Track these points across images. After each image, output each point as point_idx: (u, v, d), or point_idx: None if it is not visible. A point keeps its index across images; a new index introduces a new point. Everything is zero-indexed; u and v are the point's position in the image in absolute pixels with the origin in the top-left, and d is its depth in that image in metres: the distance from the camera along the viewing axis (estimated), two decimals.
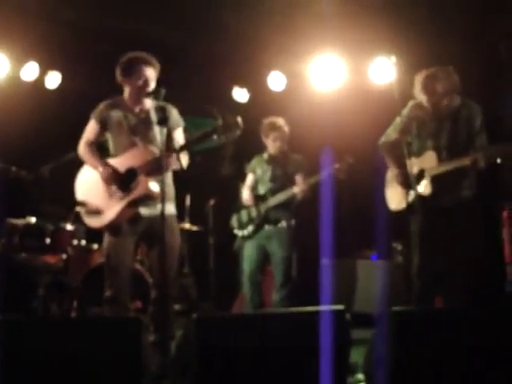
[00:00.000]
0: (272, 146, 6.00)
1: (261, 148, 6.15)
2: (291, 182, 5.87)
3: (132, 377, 2.97)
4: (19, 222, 6.27)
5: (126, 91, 4.67)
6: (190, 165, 4.55)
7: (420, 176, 4.90)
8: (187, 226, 7.51)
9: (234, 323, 3.24)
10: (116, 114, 4.63)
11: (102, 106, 4.70)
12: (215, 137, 4.31)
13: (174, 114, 4.69)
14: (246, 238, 6.05)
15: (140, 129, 4.61)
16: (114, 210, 4.49)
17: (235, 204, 6.33)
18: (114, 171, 4.54)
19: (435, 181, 4.86)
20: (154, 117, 4.56)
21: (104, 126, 4.66)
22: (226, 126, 4.29)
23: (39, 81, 7.61)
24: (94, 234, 5.43)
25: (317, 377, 3.05)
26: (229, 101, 7.94)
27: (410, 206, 4.67)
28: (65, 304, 6.13)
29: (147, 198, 4.49)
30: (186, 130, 4.74)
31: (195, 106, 4.71)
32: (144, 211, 4.55)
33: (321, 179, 5.66)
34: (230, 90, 8.16)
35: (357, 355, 3.69)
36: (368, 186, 6.52)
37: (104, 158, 4.67)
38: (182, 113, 4.76)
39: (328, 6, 6.51)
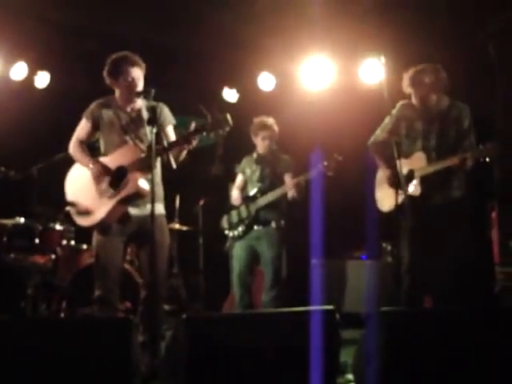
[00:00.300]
0: (261, 145, 6.00)
1: (250, 148, 6.14)
2: (280, 182, 5.87)
3: (122, 377, 2.96)
4: (8, 222, 6.26)
5: (117, 91, 4.67)
6: (180, 165, 4.54)
7: (409, 176, 4.91)
8: (177, 226, 7.51)
9: (224, 323, 3.24)
10: (108, 113, 4.63)
11: (93, 105, 4.70)
12: (204, 133, 4.31)
13: (166, 111, 4.70)
14: (236, 239, 6.04)
15: (131, 127, 4.61)
16: (104, 209, 4.48)
17: (225, 204, 6.32)
18: (105, 168, 4.53)
19: (425, 181, 4.88)
20: (145, 116, 4.55)
21: (95, 124, 4.66)
22: (215, 123, 4.29)
23: (28, 80, 7.59)
24: (84, 234, 5.42)
25: (307, 377, 3.05)
26: (219, 101, 7.94)
27: (399, 206, 4.68)
28: (54, 304, 6.12)
29: (137, 197, 4.49)
30: (176, 129, 4.74)
31: (183, 105, 4.70)
32: (133, 211, 4.54)
33: (310, 177, 5.65)
34: (220, 90, 8.17)
35: (346, 355, 3.69)
36: (358, 187, 6.54)
37: (95, 157, 4.66)
38: (172, 112, 4.76)
39: (317, 8, 6.52)
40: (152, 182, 4.11)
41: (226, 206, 6.23)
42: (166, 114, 4.70)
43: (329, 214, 5.77)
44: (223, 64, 7.62)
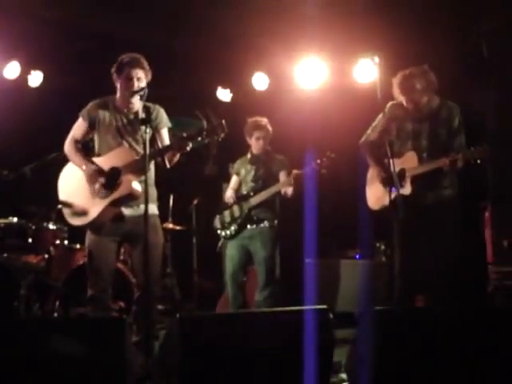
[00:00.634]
0: (255, 145, 6.00)
1: (244, 148, 6.15)
2: (274, 182, 5.87)
3: (116, 377, 2.96)
4: (0, 221, 6.23)
5: (118, 90, 4.68)
6: (174, 165, 4.54)
7: (401, 176, 4.92)
8: (170, 225, 7.50)
9: (217, 323, 3.24)
10: (104, 114, 4.64)
11: (90, 105, 4.71)
12: (199, 139, 4.32)
13: (161, 114, 4.71)
14: (228, 238, 6.04)
15: (128, 129, 4.62)
16: (97, 209, 4.48)
17: (218, 204, 6.33)
18: (98, 169, 4.53)
19: (415, 181, 4.89)
20: (144, 114, 4.55)
21: (92, 124, 4.66)
22: (211, 129, 4.31)
23: (22, 79, 7.58)
24: (77, 234, 5.41)
25: (300, 376, 3.05)
26: (214, 105, 7.94)
27: (391, 204, 4.68)
28: (47, 304, 6.10)
29: (130, 198, 4.49)
30: (169, 130, 4.75)
31: (180, 107, 4.71)
32: (127, 211, 4.55)
33: (304, 174, 5.64)
34: (214, 90, 8.17)
35: (340, 355, 3.70)
36: (351, 186, 6.54)
37: (89, 157, 4.66)
38: (167, 113, 4.76)
39: (311, 8, 6.53)
40: (145, 184, 4.11)
41: (219, 206, 6.23)
42: (162, 116, 4.71)
43: (322, 214, 5.78)
44: (217, 64, 7.62)
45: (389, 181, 4.62)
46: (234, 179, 6.20)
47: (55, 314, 5.97)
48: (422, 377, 3.09)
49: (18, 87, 7.58)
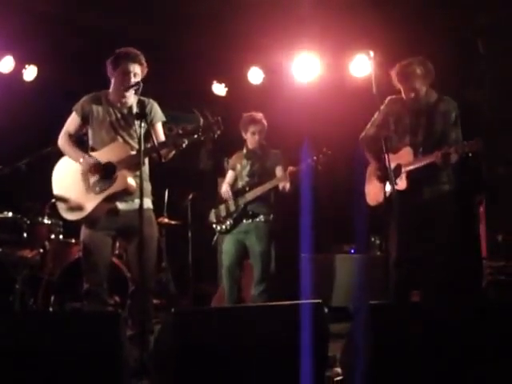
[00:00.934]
0: (251, 140, 5.99)
1: (239, 142, 6.14)
2: (270, 177, 5.87)
3: (111, 371, 2.96)
4: None
5: (112, 84, 4.66)
6: (169, 159, 4.54)
7: (397, 171, 4.93)
8: (166, 220, 7.50)
9: (213, 317, 3.24)
10: (98, 109, 4.63)
11: (84, 99, 4.69)
12: (195, 136, 4.32)
13: (156, 108, 4.70)
14: (224, 233, 6.05)
15: (122, 124, 4.61)
16: (91, 204, 4.48)
17: (214, 198, 6.32)
18: (96, 162, 4.52)
19: (411, 176, 4.90)
20: (135, 109, 4.55)
21: (85, 119, 4.65)
22: (207, 126, 4.31)
23: (16, 73, 7.56)
24: (72, 228, 5.41)
25: (296, 370, 3.06)
26: (210, 102, 7.94)
27: (387, 200, 4.69)
28: (42, 299, 6.09)
29: (125, 194, 4.49)
30: (165, 125, 4.75)
31: (176, 103, 4.71)
32: (121, 206, 4.55)
33: (300, 170, 5.65)
34: (210, 85, 8.16)
35: (335, 349, 3.70)
36: (347, 181, 6.56)
37: (83, 151, 4.65)
38: (163, 108, 4.76)
39: (307, 2, 6.53)
40: (140, 178, 4.12)
41: (215, 201, 6.23)
42: (156, 110, 4.70)
43: (318, 208, 5.79)
44: (212, 59, 7.61)
45: (384, 177, 4.63)
46: (230, 174, 6.20)
47: (50, 309, 5.96)
48: (417, 371, 3.09)
49: (12, 81, 7.56)
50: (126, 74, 4.53)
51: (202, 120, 4.31)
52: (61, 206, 4.64)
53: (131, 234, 4.48)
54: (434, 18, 6.67)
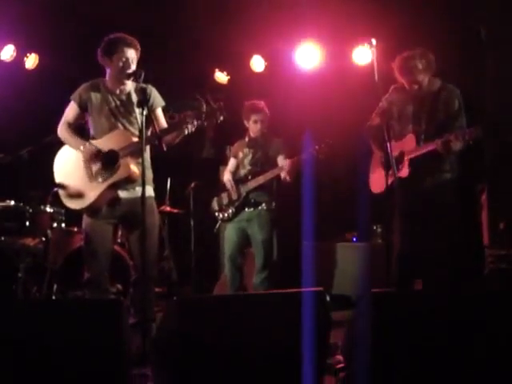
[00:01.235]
0: (253, 128, 5.99)
1: (241, 131, 6.14)
2: (272, 165, 5.87)
3: (113, 359, 2.97)
4: None
5: (107, 72, 4.64)
6: (171, 147, 4.53)
7: (400, 159, 4.93)
8: (168, 208, 7.50)
9: (215, 305, 3.25)
10: (96, 96, 4.61)
11: (81, 87, 4.67)
12: (199, 122, 4.32)
13: (155, 93, 4.67)
14: (226, 221, 6.06)
15: (121, 111, 4.59)
16: (94, 193, 4.47)
17: (216, 187, 6.33)
18: (98, 150, 4.51)
19: (414, 163, 4.89)
20: (135, 98, 4.54)
21: (84, 107, 4.63)
22: (210, 112, 4.31)
23: (18, 62, 7.56)
24: (74, 217, 5.41)
25: (297, 358, 3.06)
26: (212, 89, 7.92)
27: (390, 188, 4.69)
28: (45, 287, 6.11)
29: (128, 181, 4.48)
30: (166, 111, 4.73)
31: (178, 91, 4.69)
32: (123, 194, 4.55)
33: (302, 160, 5.66)
34: (212, 73, 8.14)
35: (336, 336, 3.71)
36: (349, 169, 6.55)
37: (84, 139, 4.64)
38: (163, 96, 4.74)
39: None
40: (142, 166, 4.11)
41: (216, 189, 6.24)
42: (156, 95, 4.68)
43: (320, 196, 5.78)
44: (214, 47, 7.59)
45: (386, 165, 4.63)
46: (232, 162, 6.20)
47: (53, 297, 5.98)
48: (418, 359, 3.10)
49: (14, 70, 7.55)
50: (124, 60, 4.50)
51: (204, 106, 4.30)
52: (63, 195, 4.64)
53: (133, 222, 4.48)
54: (436, 6, 6.64)
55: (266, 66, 7.95)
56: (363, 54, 7.24)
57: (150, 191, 4.63)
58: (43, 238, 6.25)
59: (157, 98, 4.67)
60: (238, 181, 5.99)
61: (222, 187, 6.12)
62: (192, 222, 7.29)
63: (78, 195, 4.54)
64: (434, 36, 6.18)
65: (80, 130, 4.73)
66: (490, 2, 6.56)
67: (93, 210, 4.53)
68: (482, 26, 6.62)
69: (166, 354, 3.10)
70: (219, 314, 3.13)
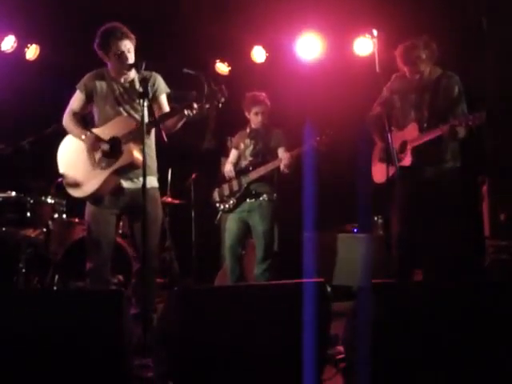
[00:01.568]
0: (254, 119, 5.99)
1: (242, 122, 6.13)
2: (273, 156, 5.87)
3: (114, 350, 2.98)
4: None
5: (109, 64, 4.64)
6: (172, 138, 4.53)
7: (402, 148, 4.93)
8: (169, 199, 7.51)
9: (215, 296, 3.25)
10: (101, 85, 4.62)
11: (87, 76, 4.69)
12: (199, 104, 4.31)
13: (159, 80, 4.68)
14: (227, 212, 6.06)
15: (125, 98, 4.60)
16: (97, 181, 4.47)
17: (217, 178, 6.33)
18: (98, 139, 4.51)
19: (416, 152, 4.89)
20: (138, 86, 4.53)
21: (89, 96, 4.64)
22: (211, 93, 4.29)
23: (18, 52, 7.55)
24: (75, 208, 5.41)
25: (298, 348, 3.07)
26: (213, 73, 7.91)
27: (391, 178, 4.70)
28: (46, 278, 6.12)
29: (131, 168, 4.47)
30: (170, 99, 4.73)
31: (179, 81, 4.68)
32: (126, 184, 4.55)
33: (303, 152, 5.66)
34: (213, 63, 8.13)
35: (336, 327, 3.72)
36: (350, 160, 6.54)
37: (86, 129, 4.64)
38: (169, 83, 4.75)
39: None
40: (144, 154, 4.11)
41: (217, 180, 6.24)
42: (160, 82, 4.68)
43: (321, 188, 5.78)
44: (215, 38, 7.57)
45: (387, 155, 4.63)
46: (233, 153, 6.20)
47: (54, 288, 5.99)
48: (419, 349, 3.11)
49: (14, 60, 7.54)
50: (120, 53, 4.50)
51: (205, 87, 4.29)
52: (67, 184, 4.64)
53: (136, 212, 4.47)
54: None
55: (266, 57, 7.94)
56: (364, 45, 7.23)
57: (153, 182, 4.63)
58: (44, 229, 6.25)
59: (161, 85, 4.68)
60: (239, 172, 5.99)
61: (223, 178, 6.12)
62: (193, 213, 7.30)
63: (82, 183, 4.54)
64: (435, 26, 6.16)
65: (84, 120, 4.73)
66: None
67: (96, 198, 4.52)
68: (483, 16, 6.62)
69: (166, 345, 3.10)
70: (220, 305, 3.14)
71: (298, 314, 3.09)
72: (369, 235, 7.08)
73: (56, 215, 6.39)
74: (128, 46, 4.53)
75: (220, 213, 6.21)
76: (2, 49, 7.46)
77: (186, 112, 4.36)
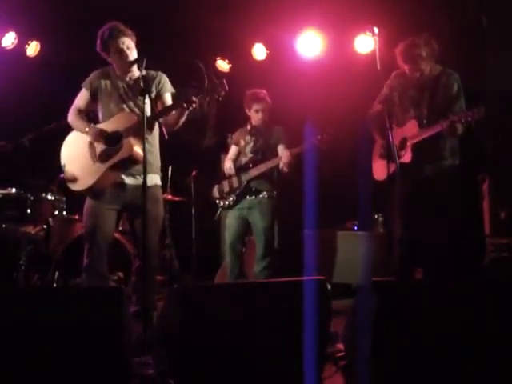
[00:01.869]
0: (254, 117, 5.99)
1: (243, 119, 6.13)
2: (273, 154, 5.87)
3: (114, 347, 2.97)
4: None
5: (113, 63, 4.66)
6: (173, 136, 4.53)
7: (402, 145, 4.94)
8: (169, 196, 7.50)
9: (216, 293, 3.25)
10: (106, 83, 4.65)
11: (92, 74, 4.73)
12: (199, 97, 4.31)
13: (164, 79, 4.70)
14: (227, 208, 6.07)
15: (129, 95, 4.62)
16: (96, 174, 4.48)
17: (217, 175, 6.33)
18: (101, 130, 4.53)
19: (416, 149, 4.89)
20: (142, 85, 4.54)
21: (94, 94, 4.67)
22: (212, 86, 4.30)
23: (19, 49, 7.55)
24: (75, 205, 5.41)
25: (298, 346, 3.07)
26: (212, 72, 7.89)
27: (391, 175, 4.69)
28: (46, 274, 6.12)
29: (130, 162, 4.47)
30: (175, 99, 4.73)
31: (179, 79, 4.69)
32: (128, 180, 4.55)
33: (303, 150, 5.66)
34: (213, 61, 8.13)
35: (336, 325, 3.72)
36: (350, 158, 6.54)
37: None
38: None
39: None
40: (144, 149, 4.12)
41: (217, 177, 6.24)
42: (165, 81, 4.70)
43: (321, 185, 5.78)
44: (216, 35, 7.57)
45: (387, 152, 4.63)
46: (233, 149, 6.20)
47: (54, 285, 5.99)
48: (419, 348, 3.11)
49: (15, 57, 7.54)
50: (120, 52, 4.53)
51: (206, 80, 4.29)
52: (67, 177, 4.65)
53: (137, 209, 4.45)
54: None
55: (267, 55, 7.94)
56: (365, 43, 7.22)
57: (156, 179, 4.64)
58: (44, 226, 6.25)
59: (166, 84, 4.70)
60: (239, 169, 5.99)
61: (223, 175, 6.12)
62: (193, 210, 7.30)
63: (81, 177, 4.55)
64: (436, 24, 6.16)
65: (88, 118, 4.75)
66: None
67: (95, 192, 4.52)
68: (484, 15, 6.61)
69: (166, 342, 3.10)
70: (220, 303, 3.14)
71: (299, 311, 3.09)
72: (369, 233, 7.08)
73: (56, 212, 6.39)
74: (127, 43, 4.54)
75: (220, 210, 6.21)
76: (3, 45, 7.45)
77: (185, 105, 4.36)
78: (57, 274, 6.03)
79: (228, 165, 6.09)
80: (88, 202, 4.59)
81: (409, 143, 4.92)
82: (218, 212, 6.30)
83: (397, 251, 4.91)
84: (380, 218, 7.35)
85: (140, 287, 4.48)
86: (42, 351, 2.88)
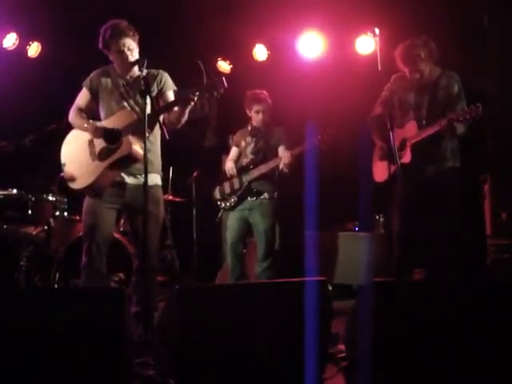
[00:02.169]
0: (255, 118, 5.99)
1: (243, 120, 6.13)
2: (274, 154, 5.87)
3: (114, 348, 2.97)
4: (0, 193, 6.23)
5: (114, 62, 4.66)
6: (174, 136, 4.53)
7: (402, 146, 4.94)
8: (170, 197, 7.51)
9: (216, 294, 3.25)
10: (107, 81, 4.65)
11: (93, 74, 4.72)
12: (198, 93, 4.31)
13: (166, 77, 4.69)
14: (228, 210, 6.06)
15: (130, 93, 4.61)
16: (97, 171, 4.47)
17: (218, 176, 6.33)
18: (100, 126, 4.54)
19: (416, 150, 4.89)
20: (142, 83, 4.54)
21: (95, 93, 4.67)
22: (211, 84, 4.29)
23: (20, 50, 7.55)
24: (76, 206, 5.41)
25: (299, 347, 3.07)
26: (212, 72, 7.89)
27: (391, 177, 4.69)
28: (47, 275, 6.12)
29: (129, 161, 4.46)
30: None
31: (180, 79, 4.69)
32: (129, 180, 4.54)
33: (304, 150, 5.66)
34: (214, 61, 8.13)
35: (337, 326, 3.72)
36: (350, 159, 6.54)
37: None
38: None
39: None
40: (145, 148, 4.11)
41: (218, 178, 6.24)
42: (167, 79, 4.69)
43: (322, 186, 5.78)
44: (217, 36, 7.57)
45: (389, 154, 4.63)
46: (234, 150, 6.20)
47: (55, 286, 5.99)
48: (419, 348, 3.10)
49: (16, 58, 7.55)
50: (121, 52, 4.52)
51: (205, 77, 4.29)
52: (67, 176, 4.64)
53: (137, 209, 4.44)
54: None
55: (268, 55, 7.94)
56: (366, 44, 7.23)
57: (156, 179, 4.62)
58: (45, 227, 6.25)
59: (168, 82, 4.69)
60: (240, 170, 5.99)
61: (224, 176, 6.12)
62: (194, 211, 7.30)
63: (80, 175, 4.54)
64: (436, 24, 6.16)
65: (90, 117, 4.75)
66: None
67: (95, 190, 4.51)
68: (484, 15, 6.61)
69: (167, 343, 3.10)
70: (221, 303, 3.13)
71: (300, 312, 3.09)
72: (370, 234, 7.08)
73: (57, 213, 6.39)
74: (127, 44, 4.52)
75: (221, 211, 6.21)
76: (4, 46, 7.46)
77: (184, 101, 4.36)
78: (58, 274, 6.03)
79: (229, 166, 6.08)
80: (87, 201, 4.57)
81: (408, 143, 4.92)
82: (220, 213, 6.30)
83: (396, 252, 4.91)
84: (381, 219, 7.35)
85: (140, 287, 4.48)
86: (42, 352, 2.88)
